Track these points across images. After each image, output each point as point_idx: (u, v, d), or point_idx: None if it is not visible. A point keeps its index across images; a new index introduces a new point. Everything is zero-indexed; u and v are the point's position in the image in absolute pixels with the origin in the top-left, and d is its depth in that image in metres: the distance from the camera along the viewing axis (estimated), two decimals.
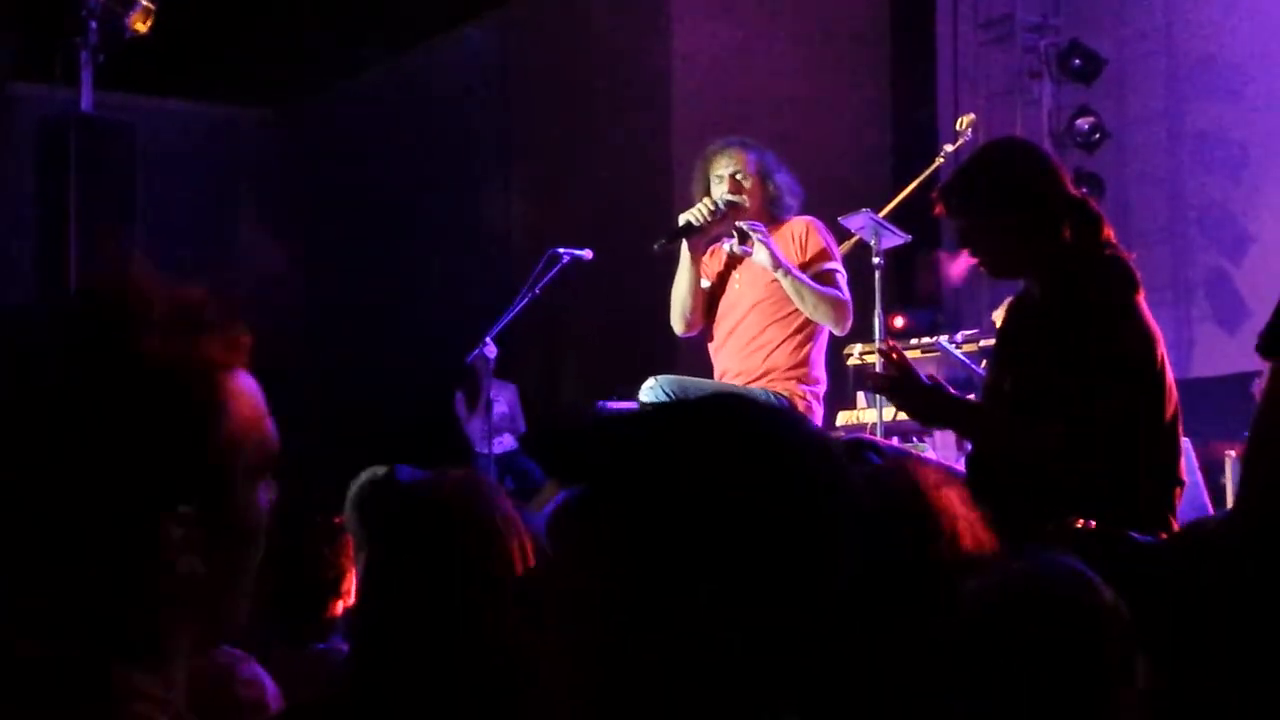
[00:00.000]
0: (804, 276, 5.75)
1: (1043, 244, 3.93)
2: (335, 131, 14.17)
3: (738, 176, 5.92)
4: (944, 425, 4.15)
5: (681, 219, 5.95)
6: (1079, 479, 3.77)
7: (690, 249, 5.98)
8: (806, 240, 5.88)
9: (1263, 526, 2.09)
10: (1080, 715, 1.99)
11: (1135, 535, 3.48)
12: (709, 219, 5.90)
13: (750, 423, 1.35)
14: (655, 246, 6.12)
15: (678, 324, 6.08)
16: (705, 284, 6.06)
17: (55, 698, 1.27)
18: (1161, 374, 3.90)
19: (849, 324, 5.85)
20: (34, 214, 9.45)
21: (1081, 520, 3.65)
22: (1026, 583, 2.09)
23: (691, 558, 1.27)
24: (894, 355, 4.15)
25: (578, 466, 1.38)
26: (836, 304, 5.76)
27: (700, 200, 5.93)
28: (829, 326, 5.83)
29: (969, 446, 4.25)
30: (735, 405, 1.38)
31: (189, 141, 13.56)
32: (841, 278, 5.86)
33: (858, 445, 4.44)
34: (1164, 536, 3.62)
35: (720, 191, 5.90)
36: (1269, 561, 2.04)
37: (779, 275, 5.71)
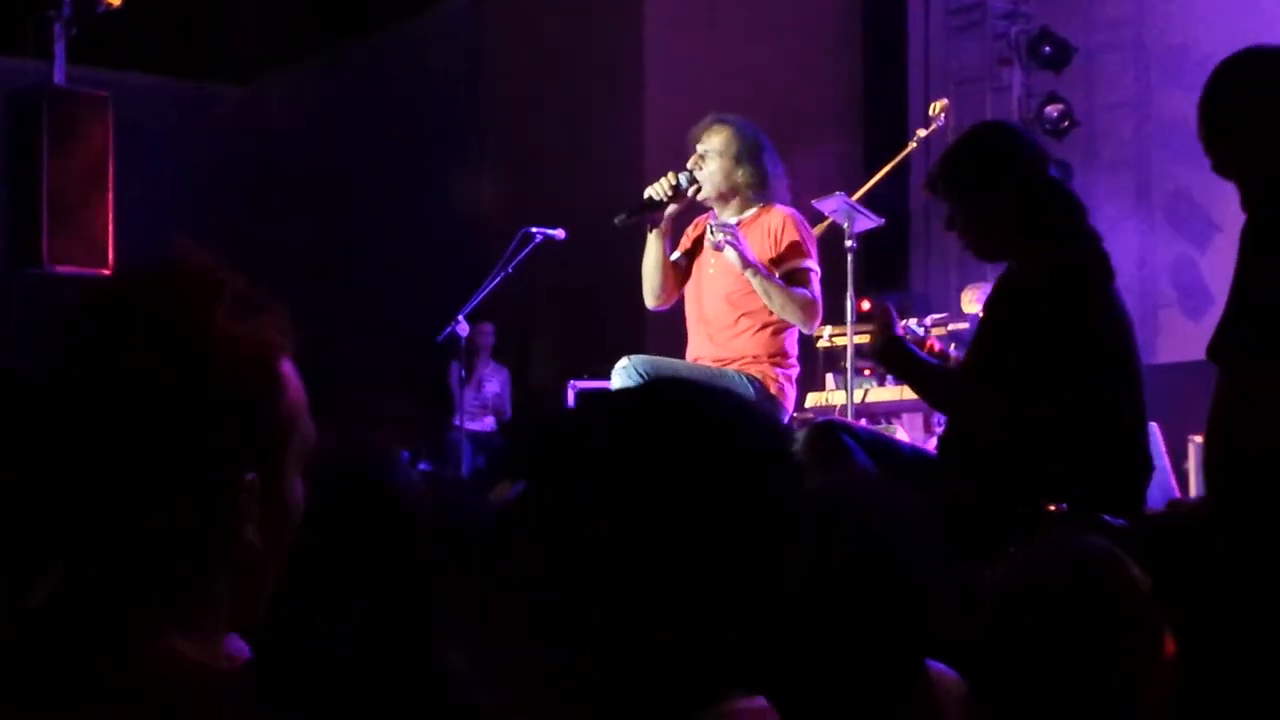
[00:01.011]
0: (773, 276, 5.68)
1: (1025, 228, 3.99)
2: (307, 107, 14.13)
3: (707, 155, 5.88)
4: (902, 376, 4.21)
5: (645, 193, 5.93)
6: (1052, 461, 3.84)
7: (654, 223, 5.92)
8: (781, 234, 5.79)
9: (1231, 513, 2.15)
10: (1115, 699, 2.00)
11: (1108, 518, 3.54)
12: (668, 196, 5.85)
13: (695, 413, 1.39)
14: (615, 220, 6.07)
15: (648, 298, 6.04)
16: (676, 256, 6.00)
17: (99, 655, 1.31)
18: (1133, 360, 3.99)
19: (817, 323, 5.77)
20: (5, 186, 9.41)
21: (1053, 505, 3.71)
22: (1058, 564, 2.10)
23: (642, 550, 1.31)
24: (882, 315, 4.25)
25: (527, 465, 1.42)
26: (805, 304, 5.69)
27: (668, 174, 5.88)
28: (797, 325, 5.76)
29: (940, 429, 4.31)
30: (678, 394, 1.42)
31: (161, 116, 13.50)
32: (814, 275, 5.77)
33: (829, 427, 4.51)
34: (1136, 519, 3.68)
35: (689, 167, 5.87)
36: (1240, 547, 2.09)
37: (747, 274, 5.67)
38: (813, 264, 5.77)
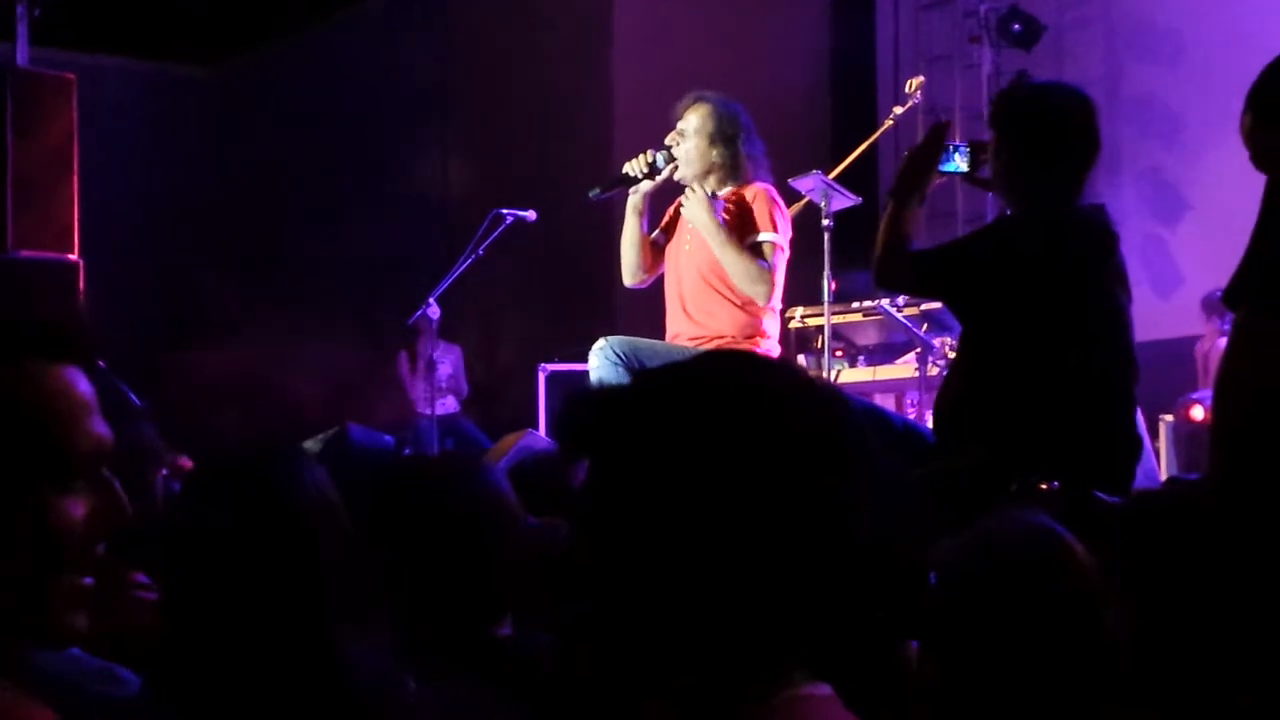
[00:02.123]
0: (728, 238, 5.68)
1: (1049, 194, 4.07)
2: (273, 89, 14.05)
3: (683, 133, 5.86)
4: (896, 190, 4.27)
5: (624, 169, 5.91)
6: (1043, 438, 3.88)
7: (629, 199, 5.91)
8: (751, 205, 5.76)
9: (1238, 485, 2.13)
10: (1055, 669, 2.03)
11: (1101, 495, 3.57)
12: (643, 172, 5.84)
13: (738, 381, 1.36)
14: (590, 194, 6.06)
15: (626, 276, 6.02)
16: (655, 235, 5.99)
17: None
18: (1123, 341, 4.04)
19: (771, 297, 5.69)
20: None
21: (1045, 484, 3.74)
22: (998, 540, 2.14)
23: (696, 519, 1.28)
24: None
25: (585, 442, 1.39)
26: (757, 273, 5.64)
27: (645, 150, 5.87)
28: (750, 295, 5.71)
29: (912, 409, 4.35)
30: (723, 365, 1.40)
31: (125, 98, 13.41)
32: (778, 250, 5.71)
33: None
34: (1129, 497, 3.70)
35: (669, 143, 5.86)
36: (1243, 521, 2.08)
37: (707, 230, 5.68)
38: (778, 239, 5.72)
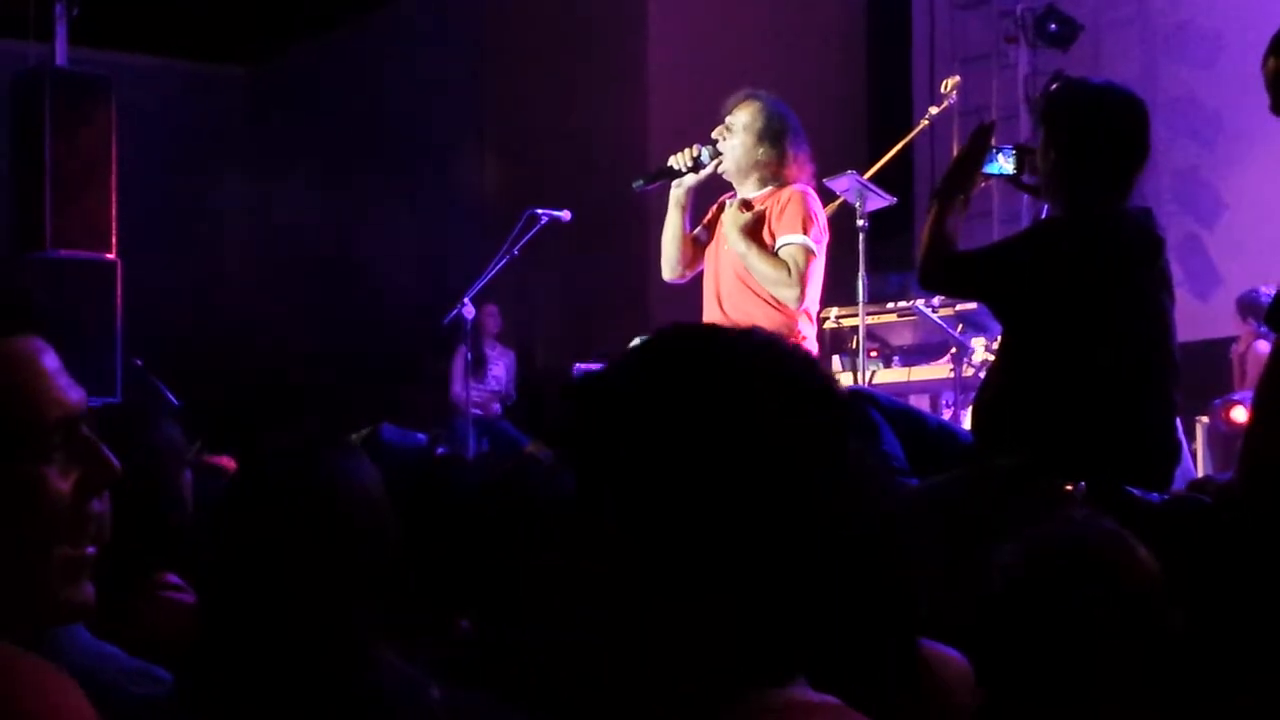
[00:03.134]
0: (759, 251, 5.68)
1: (1095, 195, 4.06)
2: (310, 89, 14.10)
3: (732, 128, 5.85)
4: (942, 191, 4.26)
5: (669, 161, 5.90)
6: (1082, 441, 3.87)
7: (673, 192, 5.91)
8: (785, 207, 5.74)
9: (1265, 488, 2.13)
10: (1122, 672, 2.01)
11: (1135, 491, 3.55)
12: (688, 166, 5.83)
13: (715, 353, 1.33)
14: (634, 185, 6.07)
15: (666, 270, 6.02)
16: (697, 231, 5.97)
17: None
18: (1165, 347, 4.03)
19: (802, 301, 5.67)
20: (9, 169, 9.38)
21: (1070, 485, 3.73)
22: (1062, 543, 2.11)
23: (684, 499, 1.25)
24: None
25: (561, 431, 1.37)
26: (785, 278, 5.63)
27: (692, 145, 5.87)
28: (780, 300, 5.70)
29: (975, 404, 4.35)
30: (700, 339, 1.36)
31: (163, 98, 13.46)
32: (803, 253, 5.67)
33: (854, 398, 4.50)
34: (1165, 498, 3.69)
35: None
36: (1270, 523, 2.07)
37: (737, 241, 5.70)
38: (808, 242, 5.69)
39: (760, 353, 1.32)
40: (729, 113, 5.85)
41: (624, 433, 1.28)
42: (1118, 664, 2.03)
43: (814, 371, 1.34)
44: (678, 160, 5.85)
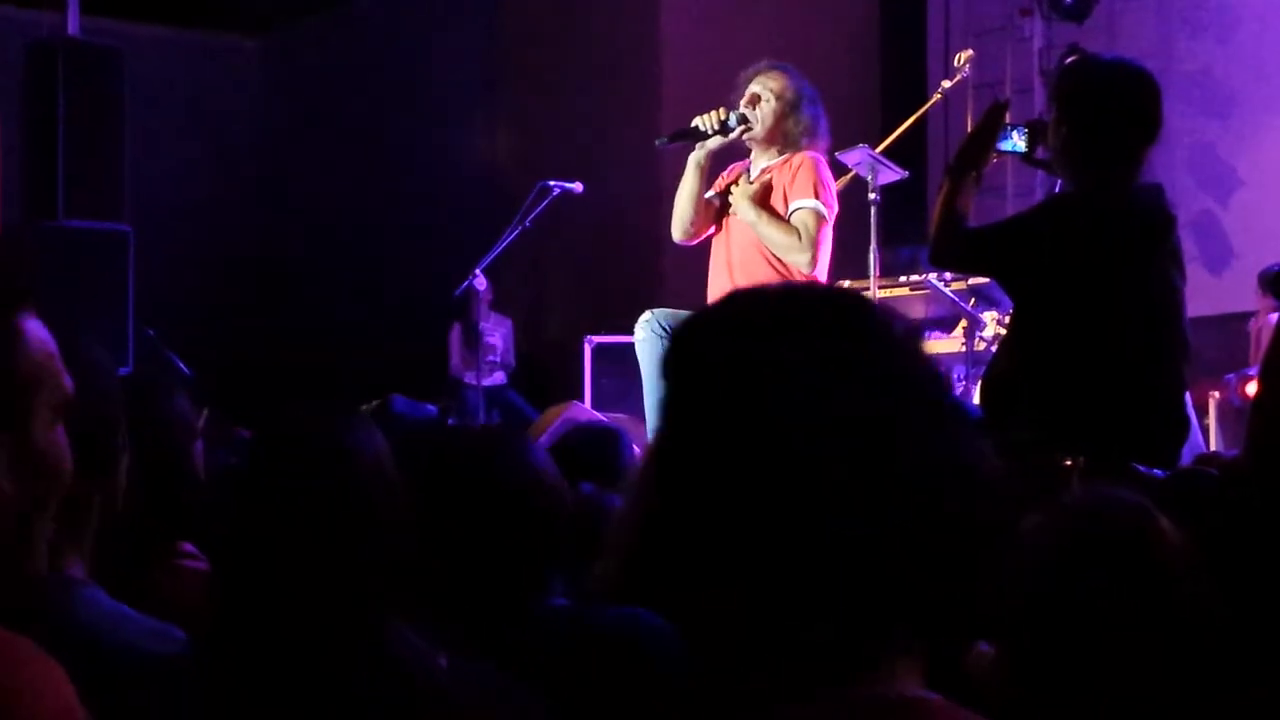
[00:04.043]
0: (770, 219, 5.71)
1: (1107, 171, 4.07)
2: (322, 60, 14.07)
3: (762, 97, 5.85)
4: (955, 169, 4.26)
5: (693, 121, 5.89)
6: (1090, 415, 3.87)
7: (695, 156, 5.90)
8: (796, 172, 5.78)
9: (1275, 463, 2.11)
10: (1153, 644, 1.98)
11: (1140, 467, 3.56)
12: (714, 128, 5.81)
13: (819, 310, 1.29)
14: (657, 142, 6.09)
15: (676, 231, 6.01)
16: (711, 195, 5.98)
17: None
18: (1176, 323, 4.04)
19: (815, 265, 5.69)
20: (22, 139, 9.37)
21: (1070, 460, 3.73)
22: (1088, 517, 2.08)
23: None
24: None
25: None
26: (796, 243, 5.67)
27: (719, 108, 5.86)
28: (793, 264, 5.71)
29: (984, 379, 4.35)
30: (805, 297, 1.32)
31: (175, 69, 13.45)
32: (815, 217, 5.71)
33: None
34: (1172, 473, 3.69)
35: (741, 106, 5.85)
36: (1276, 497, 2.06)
37: (746, 221, 5.74)
38: (818, 205, 5.72)
39: (874, 311, 1.30)
40: (753, 81, 5.85)
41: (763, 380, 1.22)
42: (1147, 639, 2.00)
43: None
44: (703, 122, 5.83)
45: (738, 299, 1.31)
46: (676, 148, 6.00)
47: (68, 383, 1.53)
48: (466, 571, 2.36)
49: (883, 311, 1.31)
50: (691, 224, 5.96)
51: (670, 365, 1.29)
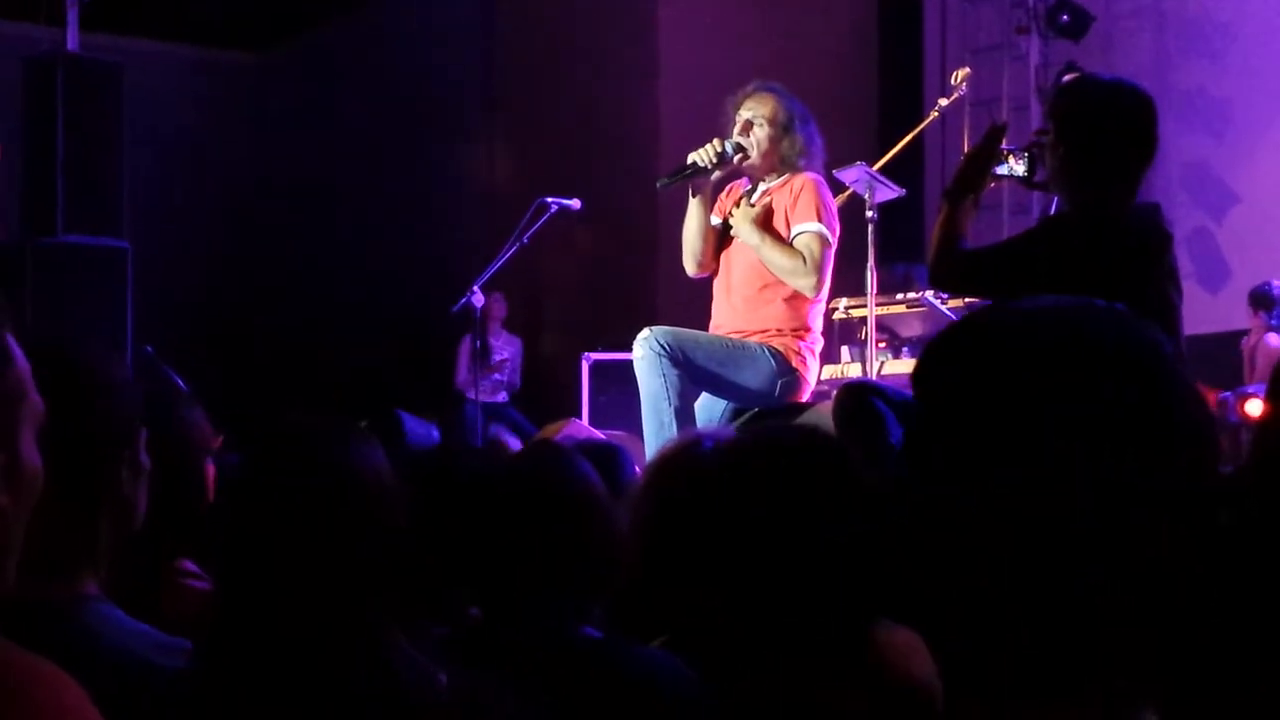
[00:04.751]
0: (774, 242, 5.71)
1: (1104, 191, 4.10)
2: (319, 75, 14.10)
3: (754, 122, 5.85)
4: (952, 192, 4.29)
5: (689, 158, 5.89)
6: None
7: (697, 189, 5.89)
8: (798, 196, 5.77)
9: (1275, 478, 2.13)
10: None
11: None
12: (713, 162, 5.83)
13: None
14: (658, 184, 6.06)
15: (689, 264, 6.01)
16: (716, 222, 5.99)
17: None
18: (1179, 337, 4.06)
19: (819, 289, 5.71)
20: (21, 154, 9.39)
21: None
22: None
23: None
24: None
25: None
26: (801, 267, 5.67)
27: (713, 140, 5.86)
28: (797, 288, 5.72)
29: None
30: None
31: (173, 84, 13.48)
32: (819, 241, 5.70)
33: (859, 389, 4.52)
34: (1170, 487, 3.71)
35: (734, 134, 5.85)
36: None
37: (749, 245, 5.75)
38: (823, 229, 5.72)
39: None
40: (743, 106, 5.86)
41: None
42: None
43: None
44: (700, 156, 5.83)
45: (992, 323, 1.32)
46: (679, 185, 5.98)
47: (38, 398, 1.57)
48: (462, 587, 2.37)
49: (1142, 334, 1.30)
50: (703, 255, 5.97)
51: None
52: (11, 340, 1.50)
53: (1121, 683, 1.23)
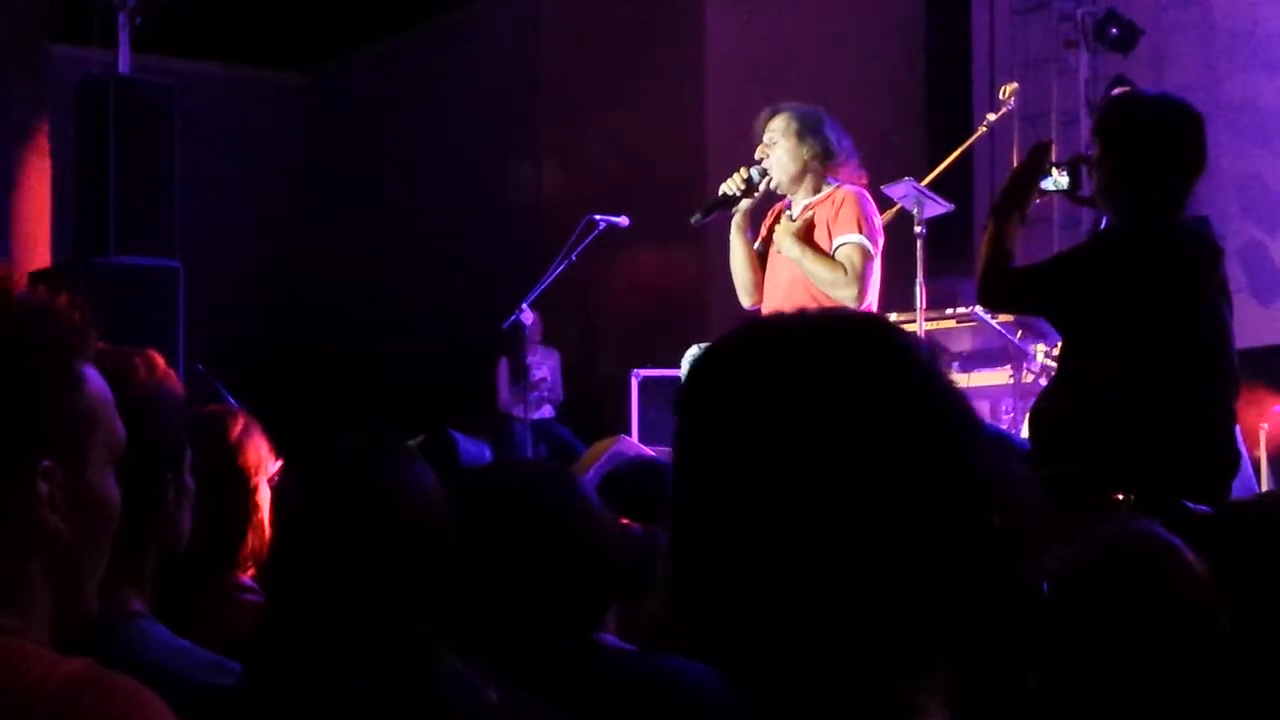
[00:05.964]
0: (816, 255, 5.71)
1: (1153, 206, 4.08)
2: (369, 95, 14.18)
3: (768, 143, 5.87)
4: (1001, 208, 4.27)
5: (720, 190, 5.92)
6: (1139, 450, 3.87)
7: (730, 219, 5.92)
8: (840, 208, 5.77)
9: None
10: (1169, 672, 2.00)
11: (1188, 504, 3.55)
12: (741, 190, 5.85)
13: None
14: (692, 220, 6.07)
15: (743, 297, 6.02)
16: (758, 246, 5.98)
17: None
18: (1225, 356, 4.03)
19: (862, 300, 5.68)
20: (74, 176, 9.48)
21: (1121, 495, 3.72)
22: (1111, 550, 2.10)
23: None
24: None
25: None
26: (843, 279, 5.66)
27: (739, 169, 5.89)
28: (839, 300, 5.68)
29: (1007, 416, 4.35)
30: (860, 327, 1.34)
31: (223, 105, 13.58)
32: (859, 252, 5.69)
33: None
34: (1221, 508, 3.68)
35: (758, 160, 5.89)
36: None
37: (793, 259, 5.75)
38: (864, 240, 5.71)
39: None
40: (761, 131, 5.89)
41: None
42: (1159, 669, 2.02)
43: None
44: (729, 186, 5.87)
45: (754, 328, 1.32)
46: (713, 219, 6.00)
47: (121, 430, 1.57)
48: (514, 606, 2.37)
49: (900, 333, 1.33)
50: (755, 285, 5.98)
51: (689, 397, 1.30)
52: (88, 368, 1.52)
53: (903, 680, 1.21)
